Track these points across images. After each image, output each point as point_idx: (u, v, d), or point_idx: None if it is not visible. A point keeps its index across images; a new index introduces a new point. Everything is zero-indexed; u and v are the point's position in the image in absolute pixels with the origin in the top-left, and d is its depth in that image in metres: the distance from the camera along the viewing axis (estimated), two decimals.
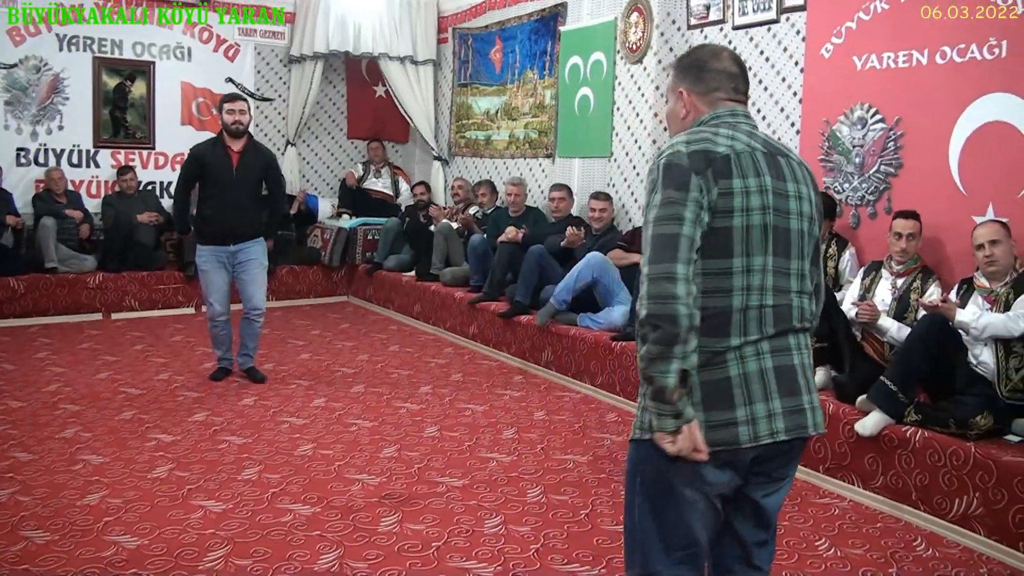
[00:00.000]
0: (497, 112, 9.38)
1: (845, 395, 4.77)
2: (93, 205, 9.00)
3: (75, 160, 9.12)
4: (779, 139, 6.10)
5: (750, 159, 2.14)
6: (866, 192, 5.60)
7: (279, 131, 10.30)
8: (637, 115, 7.24)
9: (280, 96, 10.29)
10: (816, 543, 3.96)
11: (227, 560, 3.59)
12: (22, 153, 8.83)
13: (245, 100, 6.06)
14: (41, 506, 4.04)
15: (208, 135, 9.58)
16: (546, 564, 3.65)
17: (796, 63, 6.08)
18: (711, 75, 2.29)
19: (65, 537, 3.74)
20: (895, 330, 4.81)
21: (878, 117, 5.52)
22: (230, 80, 9.83)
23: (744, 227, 2.09)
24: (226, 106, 5.96)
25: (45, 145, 8.95)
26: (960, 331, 4.45)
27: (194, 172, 6.03)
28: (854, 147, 5.65)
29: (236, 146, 5.97)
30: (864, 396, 4.55)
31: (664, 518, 2.17)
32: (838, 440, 4.64)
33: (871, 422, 4.44)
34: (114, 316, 8.47)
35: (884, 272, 5.09)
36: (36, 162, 8.90)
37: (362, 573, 3.54)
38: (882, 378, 4.46)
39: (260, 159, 6.09)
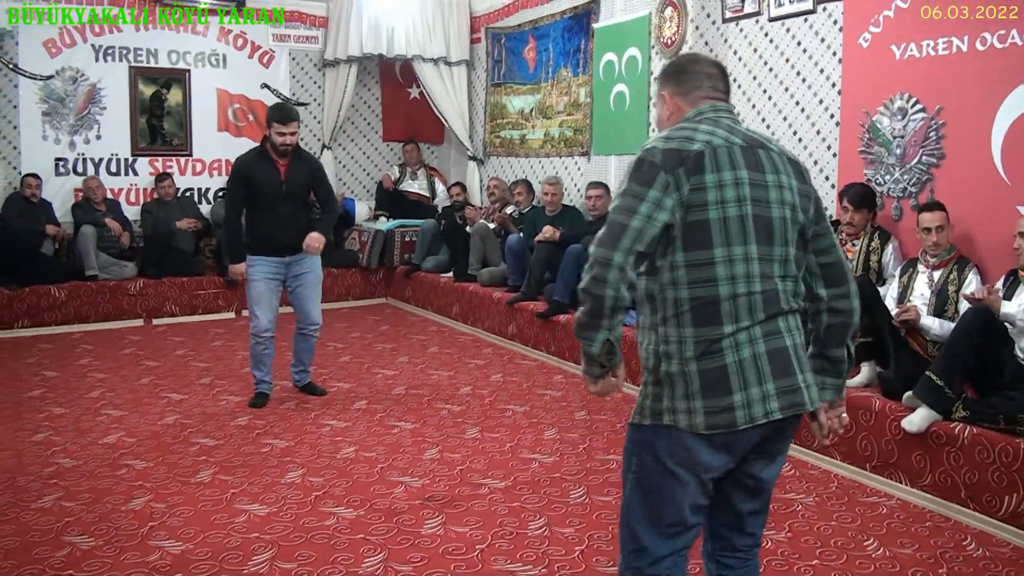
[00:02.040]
0: (531, 111, 9.35)
1: (890, 391, 4.69)
2: (132, 212, 9.09)
3: (113, 168, 9.22)
4: (818, 132, 6.09)
5: (727, 153, 2.24)
6: (908, 184, 5.51)
7: (315, 135, 10.33)
8: None
9: (315, 100, 10.33)
10: (865, 543, 3.89)
11: (272, 564, 3.59)
12: (61, 163, 8.94)
13: (298, 121, 5.72)
14: (85, 511, 4.08)
15: (246, 142, 9.72)
16: (591, 566, 3.62)
17: (834, 54, 5.99)
18: (690, 76, 2.43)
19: (109, 542, 3.76)
20: (938, 327, 4.72)
21: (919, 107, 5.43)
22: (265, 86, 9.89)
23: (721, 219, 2.19)
24: (277, 127, 5.54)
25: (83, 154, 9.05)
26: (1006, 323, 4.36)
27: (241, 188, 5.63)
28: (895, 138, 5.56)
29: (283, 160, 5.64)
30: (910, 392, 4.46)
31: (657, 498, 2.31)
32: (885, 437, 4.56)
33: (918, 419, 4.36)
34: (155, 322, 8.54)
35: (920, 267, 5.01)
36: (75, 171, 9.00)
37: None
38: (928, 373, 4.37)
39: (306, 167, 5.77)
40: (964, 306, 4.65)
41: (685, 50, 7.01)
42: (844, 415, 2.54)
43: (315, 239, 5.67)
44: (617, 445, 5.08)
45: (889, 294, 5.10)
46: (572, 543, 3.82)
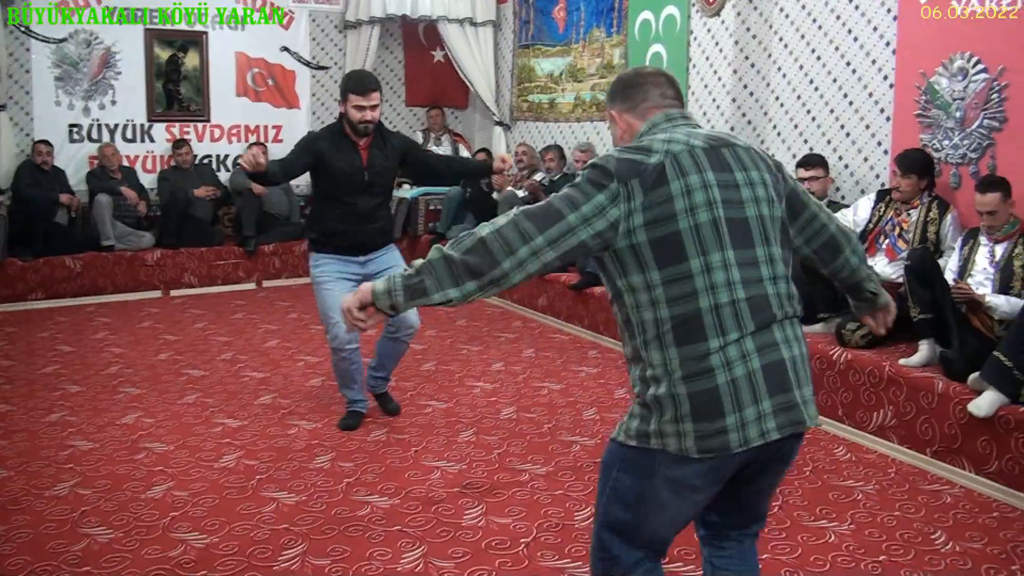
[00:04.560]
0: (561, 74, 9.00)
1: (954, 373, 4.42)
2: (148, 180, 8.84)
3: (129, 135, 8.95)
4: (871, 95, 5.77)
5: (689, 156, 2.10)
6: (968, 150, 5.20)
7: (336, 99, 10.01)
8: (715, 72, 6.88)
9: (336, 64, 9.99)
10: (932, 536, 3.66)
11: (304, 560, 3.37)
12: (75, 129, 8.68)
13: (380, 91, 4.64)
14: (103, 500, 3.86)
15: (265, 107, 9.48)
16: None
17: (889, 10, 5.66)
18: (636, 90, 2.31)
19: (129, 535, 3.54)
20: (1005, 303, 4.44)
21: (980, 67, 5.10)
22: (285, 49, 9.59)
23: (692, 227, 2.04)
24: (354, 99, 4.52)
25: (98, 120, 8.78)
26: None
27: (308, 165, 4.66)
28: (954, 100, 5.24)
29: (363, 141, 4.65)
30: (976, 374, 4.21)
31: (632, 519, 2.17)
32: (947, 421, 4.31)
33: (985, 402, 4.10)
34: (173, 293, 8.31)
35: (982, 239, 4.73)
36: (90, 138, 8.74)
37: (449, 574, 3.29)
38: (995, 354, 4.12)
39: (394, 151, 4.78)
40: None
41: (728, 8, 6.70)
42: (891, 307, 2.61)
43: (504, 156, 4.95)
44: None
45: (949, 267, 4.83)
46: None
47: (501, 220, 2.06)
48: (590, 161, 2.14)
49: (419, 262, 2.05)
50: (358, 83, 4.53)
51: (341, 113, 4.61)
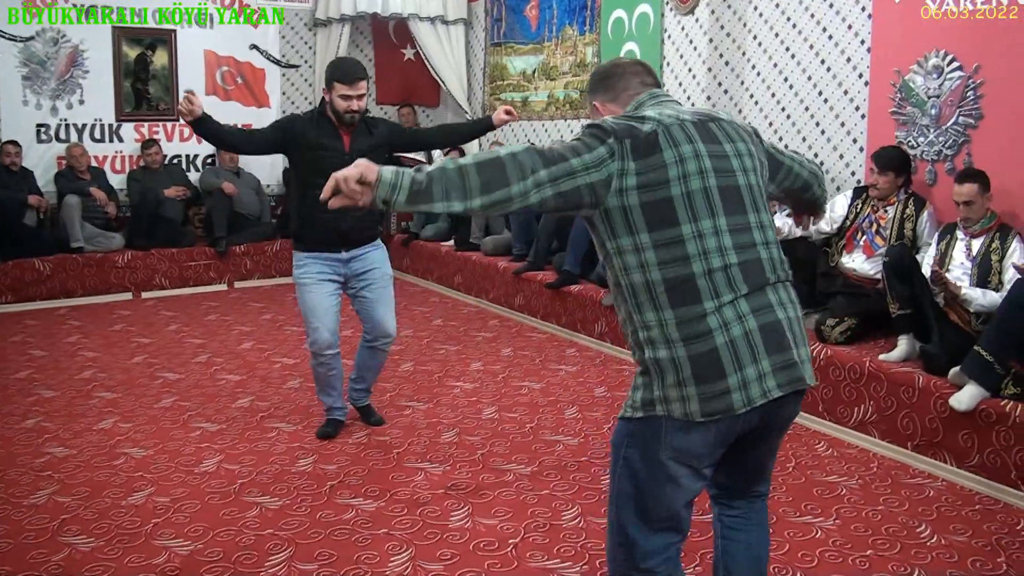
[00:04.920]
0: (534, 72, 8.99)
1: (934, 366, 4.44)
2: (118, 181, 8.73)
3: (97, 135, 8.81)
4: (846, 92, 5.80)
5: (680, 130, 2.15)
6: (943, 146, 5.23)
7: (306, 98, 9.96)
8: (689, 71, 6.88)
9: (306, 62, 9.93)
10: (917, 529, 3.67)
11: (290, 565, 3.32)
12: (43, 129, 8.54)
13: (367, 79, 4.39)
14: (83, 507, 3.78)
15: (235, 106, 9.36)
16: None
17: (863, 8, 5.68)
18: (616, 79, 2.40)
19: (111, 543, 3.47)
20: (981, 296, 4.47)
21: (955, 65, 5.14)
22: (254, 47, 9.50)
23: (685, 193, 2.10)
24: (340, 88, 4.27)
25: (66, 120, 8.65)
26: None
27: (275, 143, 4.45)
28: (929, 98, 5.28)
29: (347, 128, 4.42)
30: (957, 368, 4.22)
31: (646, 495, 2.18)
32: (928, 415, 4.33)
33: (967, 396, 4.12)
34: (144, 295, 8.21)
35: (959, 234, 4.75)
36: (57, 138, 8.61)
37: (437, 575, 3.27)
38: (976, 348, 4.13)
39: (380, 136, 4.53)
40: (1009, 277, 4.41)
41: (702, 6, 6.69)
42: (822, 210, 2.79)
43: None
44: None
45: (926, 262, 4.85)
46: None
47: (516, 147, 2.05)
48: (588, 123, 2.17)
49: (430, 168, 2.00)
50: (345, 71, 4.30)
51: (325, 100, 4.41)
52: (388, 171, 1.95)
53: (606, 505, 2.30)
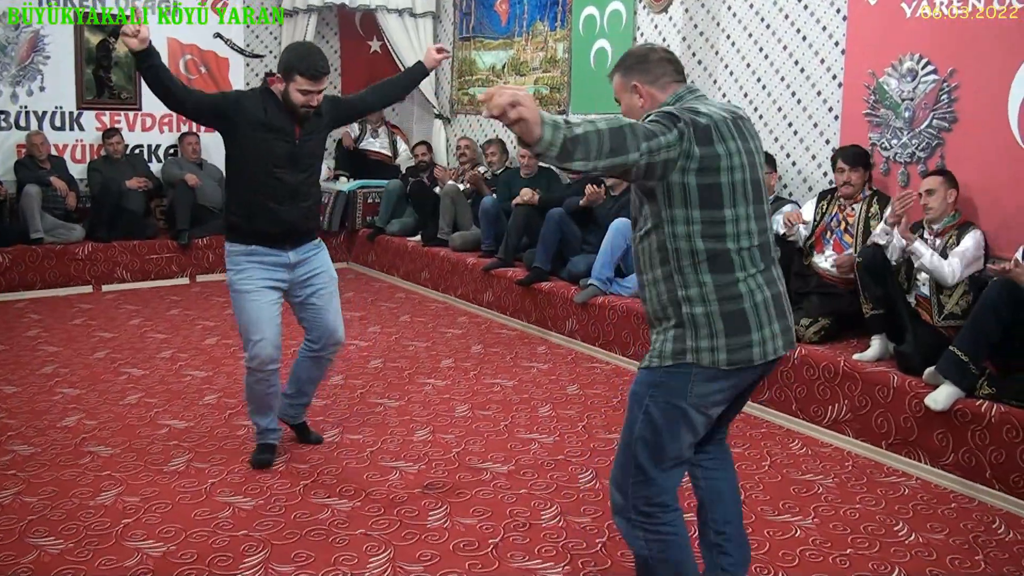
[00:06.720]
0: (504, 67, 8.90)
1: (909, 366, 4.47)
2: (78, 171, 8.49)
3: (58, 123, 8.59)
4: (819, 93, 5.81)
5: (726, 125, 2.46)
6: (916, 148, 5.26)
7: None
8: None
9: (271, 52, 9.70)
10: (895, 528, 3.70)
11: (267, 567, 3.25)
12: (2, 116, 8.28)
13: (327, 75, 3.95)
14: (50, 508, 3.67)
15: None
16: (617, 560, 3.35)
17: (838, 11, 5.70)
18: (654, 65, 2.65)
19: (81, 544, 3.38)
20: (927, 255, 4.55)
21: (930, 68, 5.17)
22: (218, 36, 9.31)
23: (730, 183, 2.44)
24: (302, 82, 3.85)
25: (26, 107, 8.40)
26: None
27: (215, 109, 3.99)
28: (903, 100, 5.31)
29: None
30: (932, 368, 4.25)
31: (663, 436, 2.51)
32: (903, 415, 4.36)
33: (942, 396, 4.15)
34: (105, 288, 8.02)
35: (925, 234, 4.79)
36: (17, 125, 8.36)
37: None
38: (951, 348, 4.16)
39: (326, 115, 4.17)
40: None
41: (676, 5, 6.67)
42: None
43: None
44: (615, 423, 4.79)
45: (892, 257, 4.84)
46: (591, 535, 3.54)
47: (622, 119, 2.28)
48: (652, 112, 2.42)
49: (577, 128, 2.16)
50: (311, 64, 3.84)
51: (267, 76, 3.96)
52: (549, 122, 2.12)
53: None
